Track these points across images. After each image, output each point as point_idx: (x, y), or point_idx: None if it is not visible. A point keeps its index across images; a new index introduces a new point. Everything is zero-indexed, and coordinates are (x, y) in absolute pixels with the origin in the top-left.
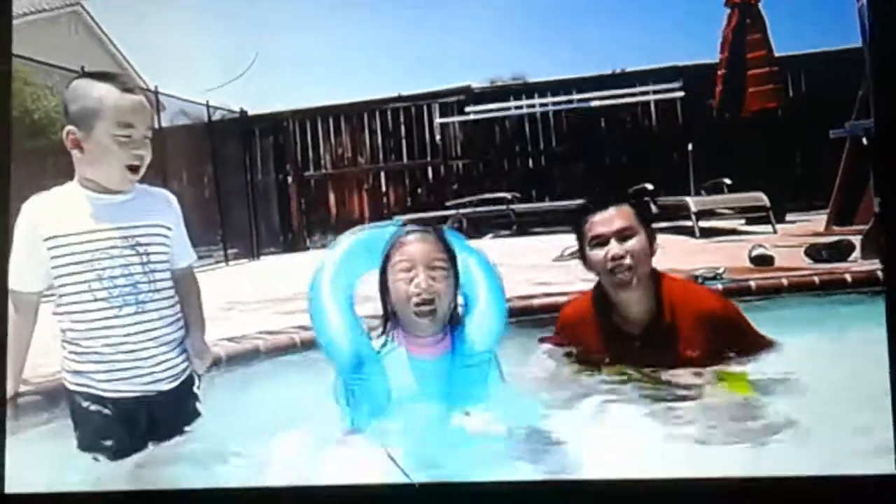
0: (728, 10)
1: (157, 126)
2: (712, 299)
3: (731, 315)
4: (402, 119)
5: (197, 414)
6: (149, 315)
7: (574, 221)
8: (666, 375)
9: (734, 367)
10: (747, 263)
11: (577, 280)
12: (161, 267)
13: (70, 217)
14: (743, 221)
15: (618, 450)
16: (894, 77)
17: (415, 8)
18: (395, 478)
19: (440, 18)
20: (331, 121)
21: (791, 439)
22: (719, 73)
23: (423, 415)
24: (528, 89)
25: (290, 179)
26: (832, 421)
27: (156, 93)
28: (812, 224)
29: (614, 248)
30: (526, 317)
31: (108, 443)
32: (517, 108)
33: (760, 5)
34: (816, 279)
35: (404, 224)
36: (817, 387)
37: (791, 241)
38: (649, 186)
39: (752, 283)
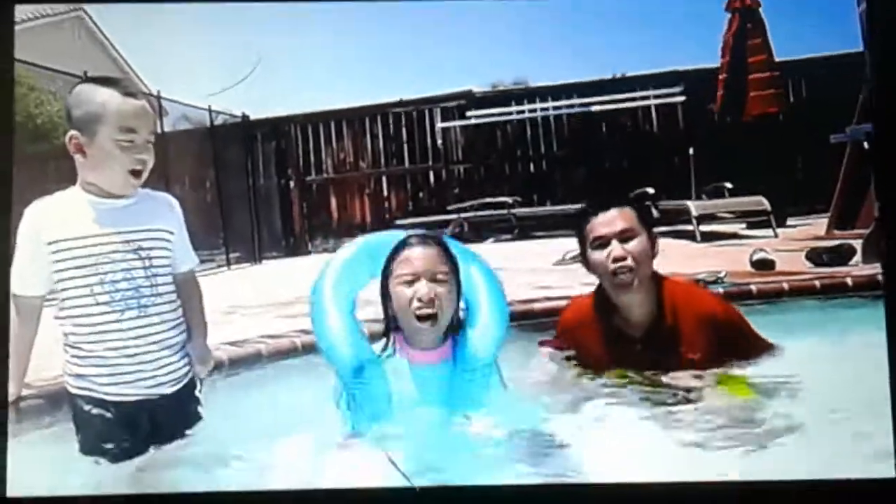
0: (729, 15)
1: (159, 131)
2: (714, 302)
3: (733, 318)
4: (403, 123)
5: (198, 417)
6: (151, 319)
7: (576, 224)
8: (667, 379)
9: (735, 371)
10: (748, 267)
11: (578, 284)
12: (163, 271)
13: (73, 221)
14: (744, 225)
15: (619, 453)
16: (894, 81)
17: (416, 13)
18: (396, 482)
19: (441, 23)
20: (332, 125)
21: (791, 443)
22: (720, 77)
23: (424, 419)
24: (529, 94)
25: (291, 184)
26: (832, 424)
27: (158, 98)
28: (813, 228)
29: (616, 249)
30: (527, 321)
31: (110, 446)
32: (518, 112)
33: (761, 10)
34: (817, 283)
35: (408, 235)
36: (818, 390)
37: (792, 245)
38: (650, 190)
39: (753, 287)
